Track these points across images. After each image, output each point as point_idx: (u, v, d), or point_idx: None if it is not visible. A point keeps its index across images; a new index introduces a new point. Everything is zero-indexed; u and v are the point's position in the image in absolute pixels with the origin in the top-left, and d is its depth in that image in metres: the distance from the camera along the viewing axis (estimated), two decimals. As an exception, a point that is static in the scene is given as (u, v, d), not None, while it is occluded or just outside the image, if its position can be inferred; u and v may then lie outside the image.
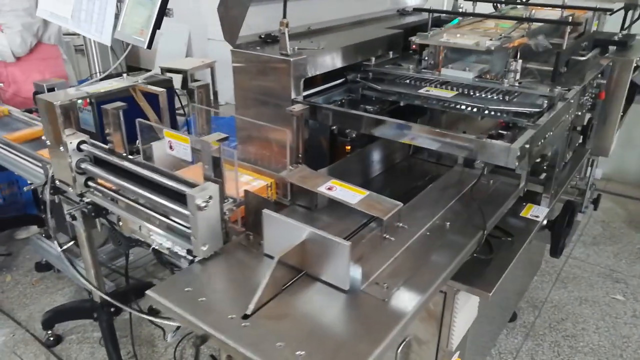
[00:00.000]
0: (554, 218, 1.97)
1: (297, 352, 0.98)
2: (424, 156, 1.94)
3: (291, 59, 1.47)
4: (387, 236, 1.18)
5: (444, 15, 2.21)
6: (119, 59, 2.67)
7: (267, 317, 1.08)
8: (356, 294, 1.15)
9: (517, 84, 1.52)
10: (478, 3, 2.29)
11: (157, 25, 1.82)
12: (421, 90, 1.52)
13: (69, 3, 2.13)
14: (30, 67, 3.00)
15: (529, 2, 2.32)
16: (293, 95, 1.52)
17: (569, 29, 1.72)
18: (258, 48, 1.60)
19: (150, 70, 3.49)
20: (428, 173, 1.80)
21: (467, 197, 1.55)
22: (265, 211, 1.22)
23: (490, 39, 1.58)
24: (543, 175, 1.79)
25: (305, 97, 1.59)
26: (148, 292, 1.15)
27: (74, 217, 1.82)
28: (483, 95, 1.52)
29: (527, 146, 1.22)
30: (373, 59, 1.72)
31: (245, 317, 1.07)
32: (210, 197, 1.20)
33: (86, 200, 1.57)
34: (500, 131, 1.47)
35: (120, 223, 1.58)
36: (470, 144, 1.24)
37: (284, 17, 1.49)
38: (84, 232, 1.91)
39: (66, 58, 3.33)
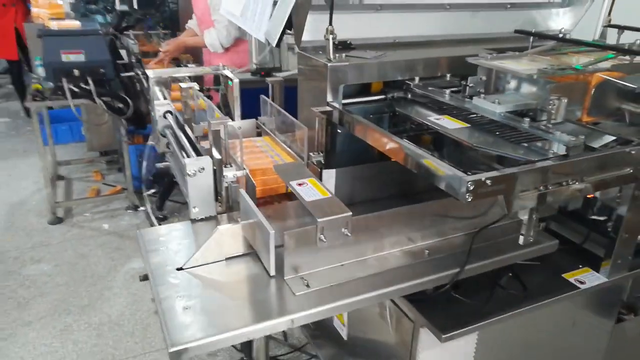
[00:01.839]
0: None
1: (187, 303, 1.13)
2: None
3: (329, 64, 1.57)
4: (322, 238, 1.20)
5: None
6: (262, 54, 3.08)
7: (194, 274, 1.25)
8: (278, 281, 1.22)
9: (550, 126, 1.30)
10: None
11: (288, 26, 2.10)
12: (431, 118, 1.43)
13: (241, 3, 2.58)
14: (226, 56, 3.64)
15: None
16: (329, 99, 1.61)
17: (676, 67, 1.39)
18: (320, 52, 1.73)
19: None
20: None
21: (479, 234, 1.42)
22: (241, 191, 1.37)
23: (546, 67, 1.40)
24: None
25: (348, 104, 1.67)
26: (140, 230, 1.43)
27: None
28: (495, 133, 1.34)
29: (489, 183, 1.09)
30: (417, 78, 1.67)
31: (179, 269, 1.26)
32: (202, 169, 1.42)
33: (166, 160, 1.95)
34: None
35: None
36: (424, 164, 1.17)
37: (330, 24, 1.59)
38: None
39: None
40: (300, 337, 2.58)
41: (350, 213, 1.22)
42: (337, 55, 1.61)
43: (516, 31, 1.90)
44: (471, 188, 1.08)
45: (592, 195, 1.50)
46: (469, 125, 1.42)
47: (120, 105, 3.61)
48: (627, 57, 1.53)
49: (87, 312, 2.85)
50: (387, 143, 1.37)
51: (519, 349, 1.56)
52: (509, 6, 2.17)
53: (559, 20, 2.32)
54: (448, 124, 1.44)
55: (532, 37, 1.81)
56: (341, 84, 1.61)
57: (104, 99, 3.50)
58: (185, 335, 1.05)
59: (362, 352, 1.71)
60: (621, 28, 1.99)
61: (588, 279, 1.48)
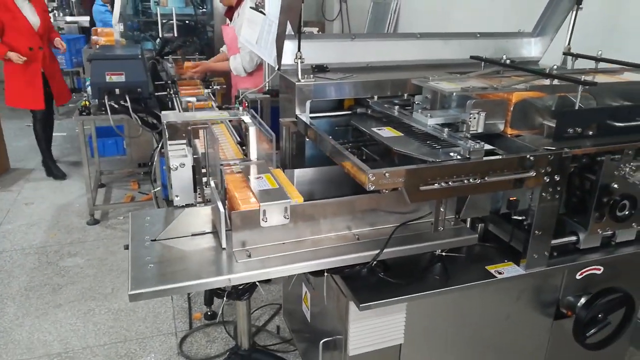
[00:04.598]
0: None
1: (151, 263, 1.45)
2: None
3: (296, 83, 1.87)
4: (265, 220, 1.48)
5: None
6: (267, 79, 3.43)
7: (163, 244, 1.56)
8: (227, 253, 1.52)
9: (468, 136, 1.55)
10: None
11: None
12: (374, 129, 1.70)
13: (256, 33, 2.96)
14: (248, 79, 4.04)
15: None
16: (297, 112, 1.92)
17: (581, 88, 1.60)
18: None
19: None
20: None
21: (409, 227, 1.66)
22: (211, 181, 1.69)
23: (469, 87, 1.64)
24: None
25: (318, 117, 1.97)
26: (131, 213, 1.77)
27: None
28: (420, 140, 1.60)
29: (387, 175, 1.34)
30: (376, 97, 1.94)
31: (153, 240, 1.58)
32: (183, 164, 1.74)
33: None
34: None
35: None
36: (347, 163, 1.44)
37: (299, 50, 1.90)
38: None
39: (274, 74, 4.29)
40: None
41: (289, 200, 1.50)
42: (305, 76, 1.92)
43: (471, 57, 2.15)
44: (372, 179, 1.34)
45: (514, 198, 1.71)
46: (402, 134, 1.69)
47: (154, 121, 4.06)
48: (547, 80, 1.75)
49: (109, 299, 3.22)
50: (328, 148, 1.64)
51: (452, 331, 1.76)
52: (478, 35, 2.42)
53: (531, 49, 2.55)
54: (386, 133, 1.71)
55: (483, 63, 2.05)
56: (307, 100, 1.91)
57: (140, 115, 3.95)
58: (143, 284, 1.36)
59: (320, 331, 1.95)
60: (575, 56, 2.21)
61: (507, 271, 1.68)
